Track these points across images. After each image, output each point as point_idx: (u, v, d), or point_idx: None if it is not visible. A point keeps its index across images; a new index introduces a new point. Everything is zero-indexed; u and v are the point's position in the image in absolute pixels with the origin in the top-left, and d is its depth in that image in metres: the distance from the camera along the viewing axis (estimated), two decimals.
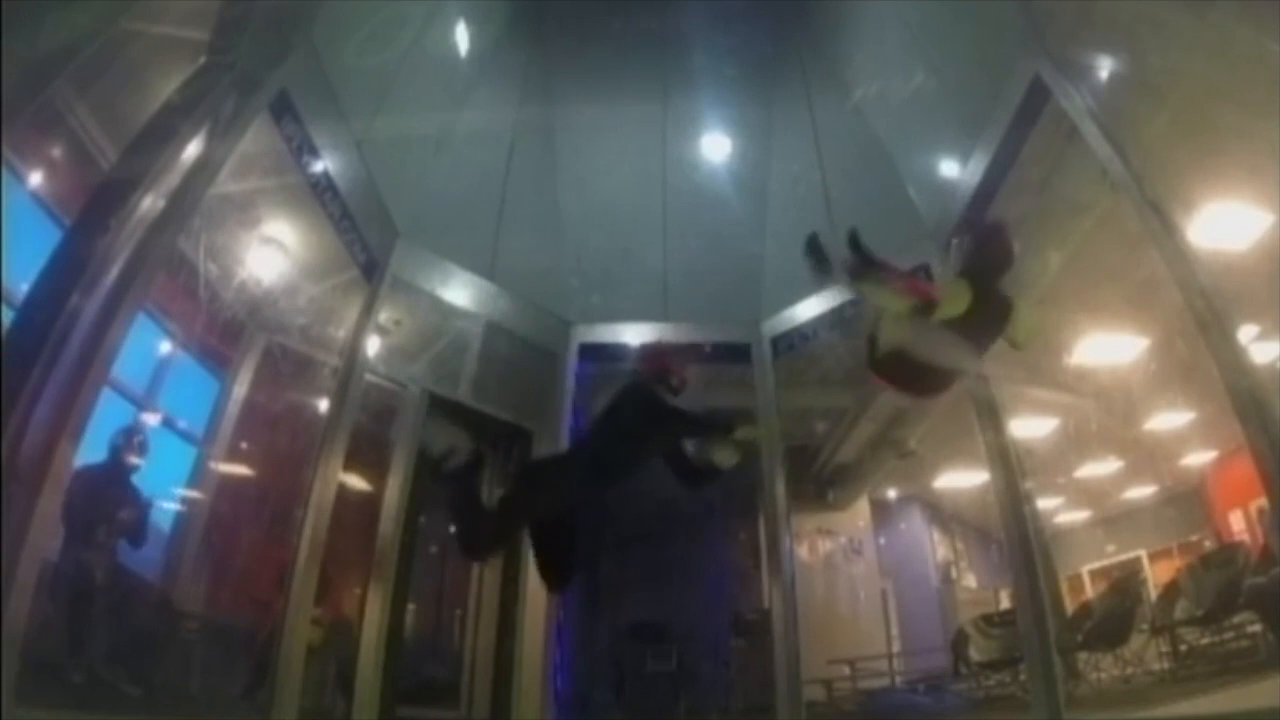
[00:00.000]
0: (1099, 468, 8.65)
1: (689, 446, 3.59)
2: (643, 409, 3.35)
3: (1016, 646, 5.86)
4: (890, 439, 8.99)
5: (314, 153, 5.16)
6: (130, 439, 4.61)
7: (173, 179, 4.03)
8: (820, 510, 9.65)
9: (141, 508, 4.60)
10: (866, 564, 9.85)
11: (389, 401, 6.40)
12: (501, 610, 6.62)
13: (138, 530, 4.55)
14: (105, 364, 3.61)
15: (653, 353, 3.73)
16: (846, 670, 8.01)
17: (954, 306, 3.18)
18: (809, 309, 7.26)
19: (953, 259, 3.56)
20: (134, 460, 4.59)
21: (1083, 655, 6.05)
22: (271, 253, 5.66)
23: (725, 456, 3.32)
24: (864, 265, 3.42)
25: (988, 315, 3.27)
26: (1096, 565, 9.62)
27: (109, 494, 4.40)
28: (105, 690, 4.05)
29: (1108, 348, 6.44)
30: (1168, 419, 7.41)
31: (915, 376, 3.45)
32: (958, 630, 7.96)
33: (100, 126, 4.32)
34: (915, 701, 7.82)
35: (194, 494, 5.55)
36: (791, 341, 7.35)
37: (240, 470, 5.89)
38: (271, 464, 5.96)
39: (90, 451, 4.03)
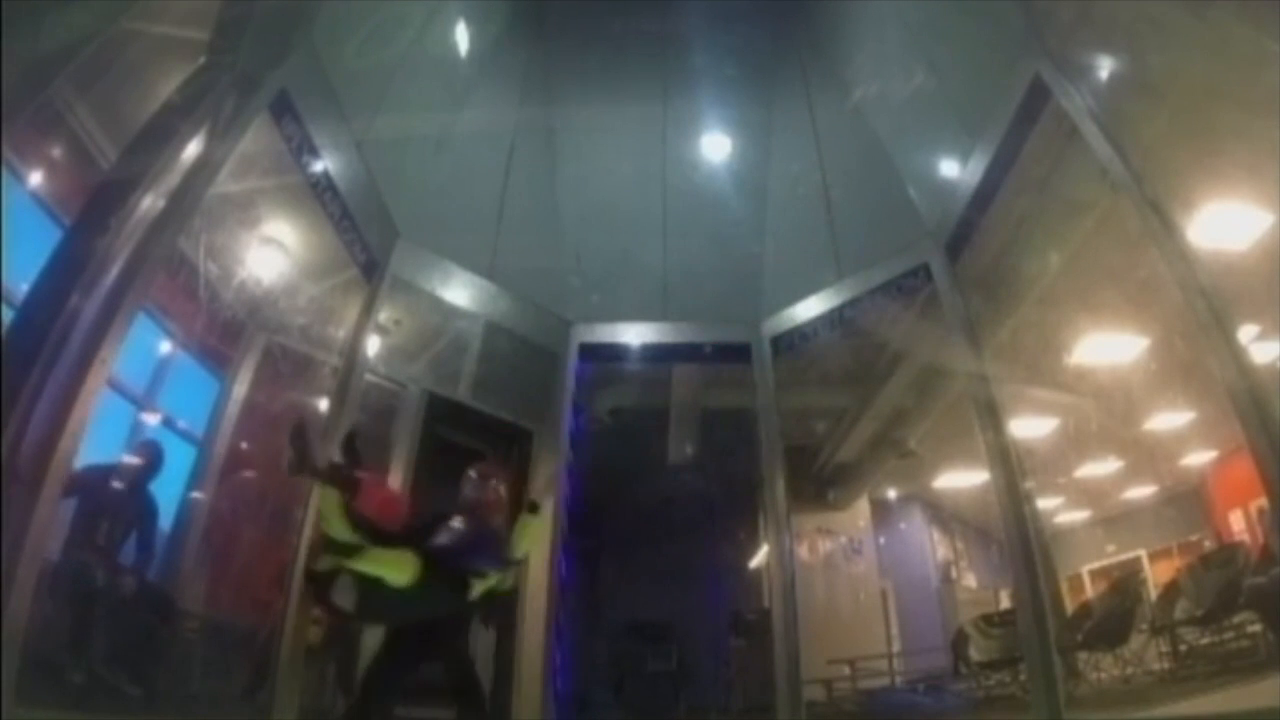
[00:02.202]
0: (1099, 468, 8.65)
1: None
2: None
3: (1016, 646, 5.85)
4: (890, 439, 8.99)
5: (314, 153, 5.16)
6: (144, 447, 4.72)
7: (173, 179, 4.02)
8: (820, 510, 9.65)
9: (150, 517, 4.66)
10: (866, 564, 9.85)
11: (389, 401, 6.40)
12: (501, 610, 6.62)
13: (146, 540, 4.62)
14: (105, 364, 3.60)
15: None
16: (846, 670, 8.01)
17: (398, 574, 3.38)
18: (809, 309, 7.26)
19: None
20: (143, 464, 4.64)
21: (1083, 655, 6.04)
22: (271, 253, 5.65)
23: None
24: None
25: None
26: (1096, 565, 9.62)
27: (116, 496, 4.44)
28: (106, 690, 4.05)
29: (1108, 348, 6.44)
30: (1168, 419, 7.41)
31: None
32: (958, 630, 7.96)
33: (100, 126, 4.31)
34: (915, 701, 7.81)
35: (194, 494, 5.55)
36: (791, 341, 7.35)
37: (240, 470, 5.89)
38: (271, 464, 5.94)
39: (90, 452, 4.04)
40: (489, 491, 4.25)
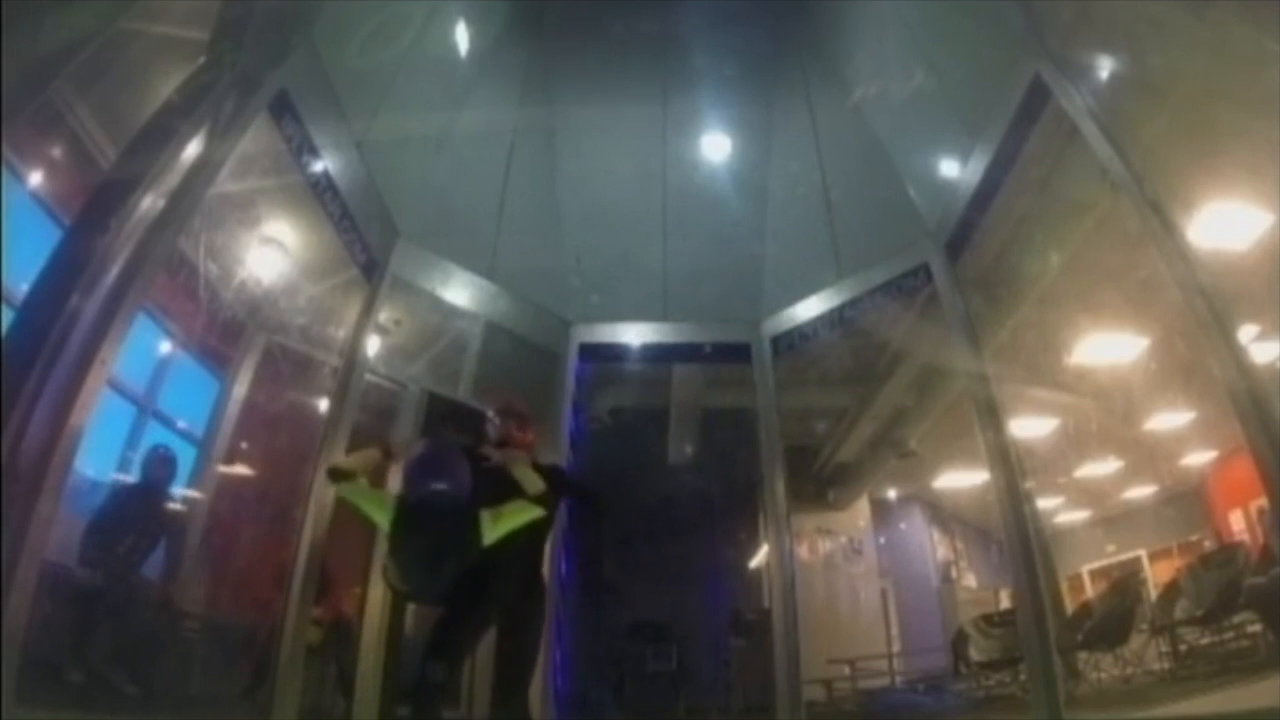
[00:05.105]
0: (1099, 468, 8.65)
1: None
2: None
3: (1016, 646, 5.85)
4: (890, 439, 9.00)
5: (314, 153, 5.15)
6: (157, 456, 4.78)
7: (173, 179, 4.02)
8: (820, 510, 9.65)
9: (178, 529, 4.75)
10: (866, 564, 9.86)
11: (389, 401, 6.40)
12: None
13: (174, 550, 4.73)
14: (105, 364, 3.60)
15: None
16: (846, 670, 8.01)
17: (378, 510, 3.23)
18: (809, 309, 7.26)
19: None
20: (161, 476, 4.69)
21: (1083, 655, 6.04)
22: (271, 252, 5.66)
23: None
24: None
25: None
26: (1096, 565, 9.61)
27: (138, 513, 4.51)
28: (105, 690, 4.05)
29: (1108, 348, 6.44)
30: (1168, 419, 7.41)
31: None
32: (958, 630, 7.96)
33: (100, 126, 4.30)
34: (915, 701, 7.82)
35: (194, 494, 5.55)
36: (791, 341, 7.35)
37: (240, 470, 5.89)
38: (271, 464, 5.95)
39: (91, 452, 4.05)
40: (509, 428, 3.72)
